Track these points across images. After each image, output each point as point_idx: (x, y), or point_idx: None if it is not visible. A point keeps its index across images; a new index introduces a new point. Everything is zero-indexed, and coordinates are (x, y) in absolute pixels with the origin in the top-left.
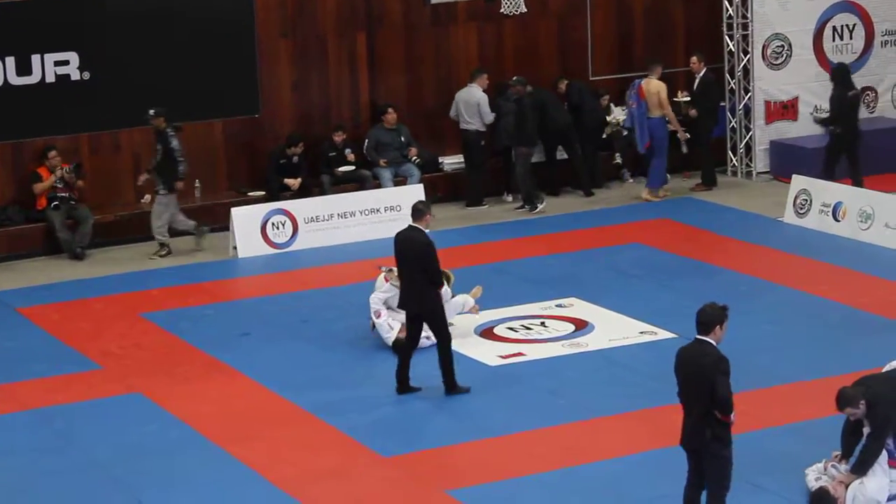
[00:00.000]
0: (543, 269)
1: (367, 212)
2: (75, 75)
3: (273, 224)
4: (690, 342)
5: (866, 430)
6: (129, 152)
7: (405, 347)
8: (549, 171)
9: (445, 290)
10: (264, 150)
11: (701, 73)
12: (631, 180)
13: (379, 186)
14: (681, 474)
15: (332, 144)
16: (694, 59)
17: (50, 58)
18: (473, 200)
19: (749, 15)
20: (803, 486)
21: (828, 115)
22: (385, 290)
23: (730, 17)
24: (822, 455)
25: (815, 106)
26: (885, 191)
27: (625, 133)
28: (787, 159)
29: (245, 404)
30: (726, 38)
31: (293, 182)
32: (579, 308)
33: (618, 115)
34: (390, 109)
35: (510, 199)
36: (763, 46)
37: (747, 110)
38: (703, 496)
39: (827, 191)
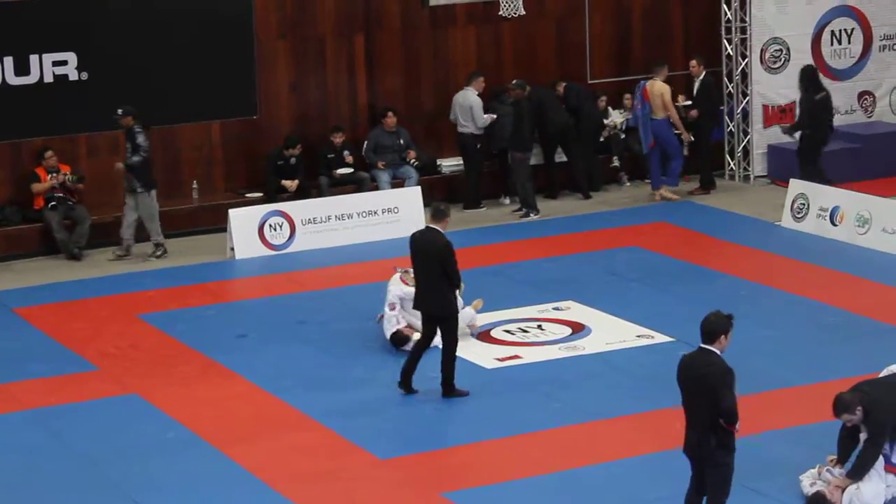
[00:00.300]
0: (541, 272)
1: (364, 214)
2: (73, 75)
3: (271, 225)
4: (694, 351)
5: (863, 436)
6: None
7: (417, 346)
8: (548, 174)
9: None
10: (262, 151)
11: (701, 77)
12: (628, 183)
13: (377, 189)
14: (677, 477)
15: (331, 146)
16: (693, 62)
17: (48, 58)
18: (470, 203)
19: (747, 19)
20: (800, 491)
21: (793, 122)
22: (406, 290)
23: (728, 20)
24: (819, 460)
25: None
26: (882, 195)
27: (623, 136)
28: (785, 163)
29: (242, 406)
30: (725, 41)
31: (291, 184)
32: (576, 311)
33: (615, 117)
34: (390, 113)
35: (507, 201)
36: (761, 50)
37: (745, 114)
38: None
39: (824, 195)
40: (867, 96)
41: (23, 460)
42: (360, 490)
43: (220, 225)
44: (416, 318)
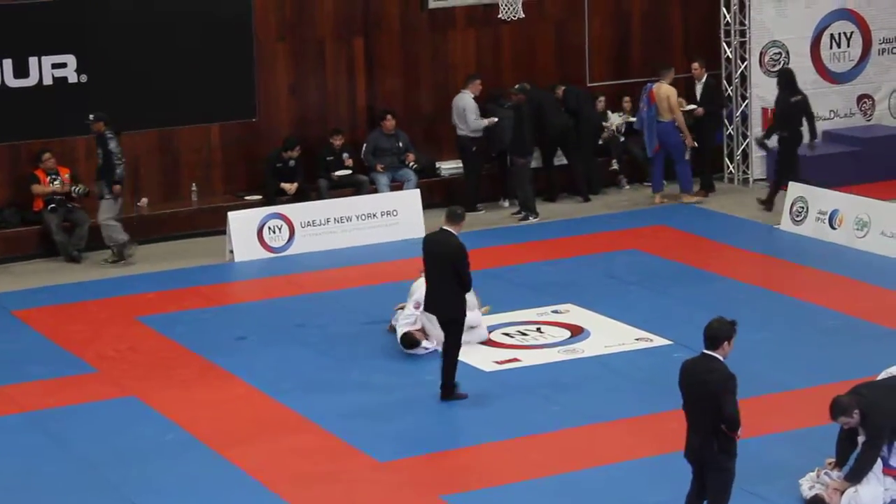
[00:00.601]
0: (540, 275)
1: (363, 216)
2: (73, 78)
3: (270, 228)
4: (696, 356)
5: (861, 439)
6: (126, 155)
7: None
8: (547, 177)
9: (471, 299)
10: (261, 154)
11: (703, 79)
12: (627, 186)
13: (376, 191)
14: (677, 481)
15: (331, 148)
16: (696, 65)
17: (47, 60)
18: (467, 206)
19: (747, 22)
20: (799, 495)
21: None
22: None
23: (727, 23)
24: (818, 463)
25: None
26: (881, 199)
27: (622, 139)
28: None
29: (241, 408)
30: (724, 44)
31: (290, 187)
32: (575, 314)
33: (614, 120)
34: (389, 116)
35: (507, 204)
36: (760, 53)
37: (744, 117)
38: None
39: (824, 198)
40: (866, 100)
41: (21, 462)
42: (360, 493)
43: (219, 227)
44: (433, 325)
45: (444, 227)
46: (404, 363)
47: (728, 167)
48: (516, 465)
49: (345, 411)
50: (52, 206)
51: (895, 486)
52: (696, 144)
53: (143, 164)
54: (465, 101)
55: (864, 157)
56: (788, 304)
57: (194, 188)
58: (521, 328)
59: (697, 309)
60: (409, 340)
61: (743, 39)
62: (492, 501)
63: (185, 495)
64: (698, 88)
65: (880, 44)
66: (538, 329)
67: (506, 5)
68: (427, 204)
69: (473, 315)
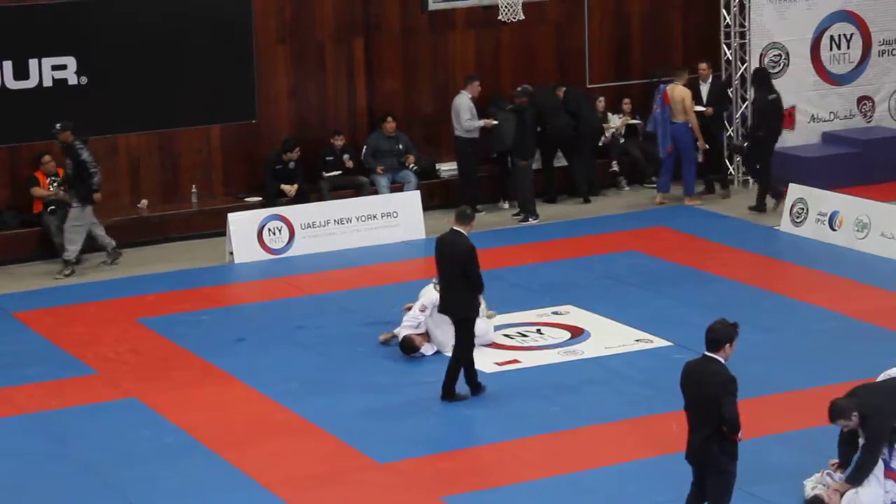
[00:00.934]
0: (539, 277)
1: (363, 218)
2: (73, 80)
3: (269, 230)
4: (698, 358)
5: (861, 441)
6: (125, 157)
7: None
8: (547, 179)
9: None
10: (261, 155)
11: (709, 80)
12: (627, 188)
13: (376, 193)
14: (677, 482)
15: (331, 148)
16: (703, 65)
17: (47, 62)
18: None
19: (747, 23)
20: (799, 496)
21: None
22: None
23: (727, 25)
24: (819, 464)
25: (730, 134)
26: (881, 200)
27: (622, 141)
28: (784, 168)
29: (240, 410)
30: (724, 46)
31: (289, 188)
32: (575, 315)
33: (614, 122)
34: (389, 118)
35: (506, 205)
36: (760, 55)
37: (744, 119)
38: None
39: (824, 200)
40: (866, 101)
41: (21, 464)
42: (360, 494)
43: (219, 229)
44: (438, 329)
45: (455, 228)
46: (404, 364)
47: (728, 168)
48: (516, 467)
49: (344, 413)
50: (52, 208)
51: None
52: (707, 146)
53: (143, 165)
54: (461, 101)
55: (864, 158)
56: (788, 305)
57: (194, 190)
58: (521, 329)
59: (697, 310)
60: (409, 345)
61: (743, 41)
62: (492, 502)
63: (184, 497)
64: (704, 89)
65: (880, 45)
66: (538, 330)
67: (506, 7)
68: (427, 205)
69: (479, 324)
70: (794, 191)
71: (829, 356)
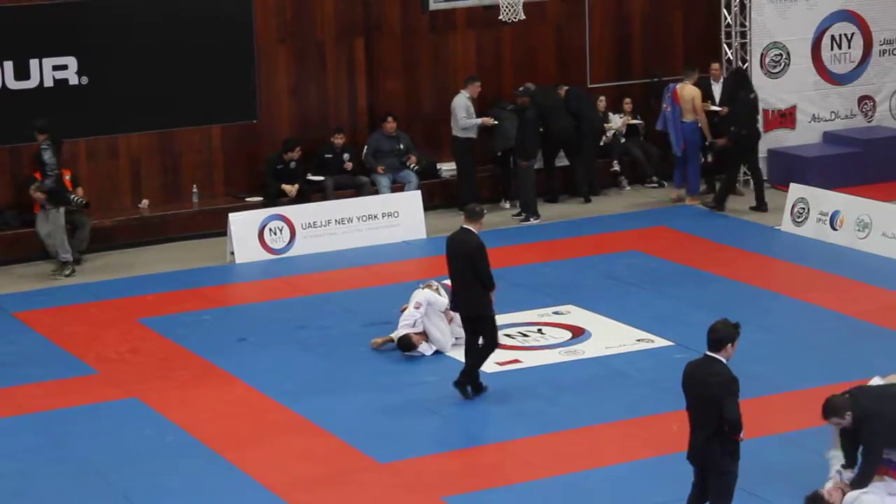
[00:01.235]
0: (540, 276)
1: (364, 218)
2: (73, 80)
3: (270, 230)
4: (699, 358)
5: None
6: (126, 157)
7: (466, 350)
8: (548, 179)
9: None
10: (262, 155)
11: (721, 80)
12: (628, 188)
13: (377, 193)
14: (678, 482)
15: (331, 147)
16: (715, 65)
17: (48, 62)
18: (462, 207)
19: (747, 23)
20: (799, 496)
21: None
22: (433, 297)
23: (728, 25)
24: (818, 464)
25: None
26: (882, 200)
27: (623, 140)
28: (785, 168)
29: (241, 410)
30: (725, 46)
31: (290, 189)
32: (576, 315)
33: (615, 122)
34: (389, 118)
35: (508, 205)
36: (761, 55)
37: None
38: None
39: (825, 199)
40: (867, 101)
41: (22, 464)
42: (361, 494)
43: (220, 229)
44: (435, 328)
45: (465, 226)
46: (405, 364)
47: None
48: (517, 467)
49: (345, 412)
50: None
51: None
52: (719, 142)
53: (144, 165)
54: (458, 101)
55: (865, 158)
56: (789, 305)
57: (195, 190)
58: (522, 329)
59: (698, 310)
60: (406, 343)
61: (744, 41)
62: (493, 502)
63: (185, 497)
64: (716, 89)
65: (881, 45)
66: (539, 330)
67: (506, 7)
68: (428, 205)
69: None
70: (796, 190)
71: (830, 356)
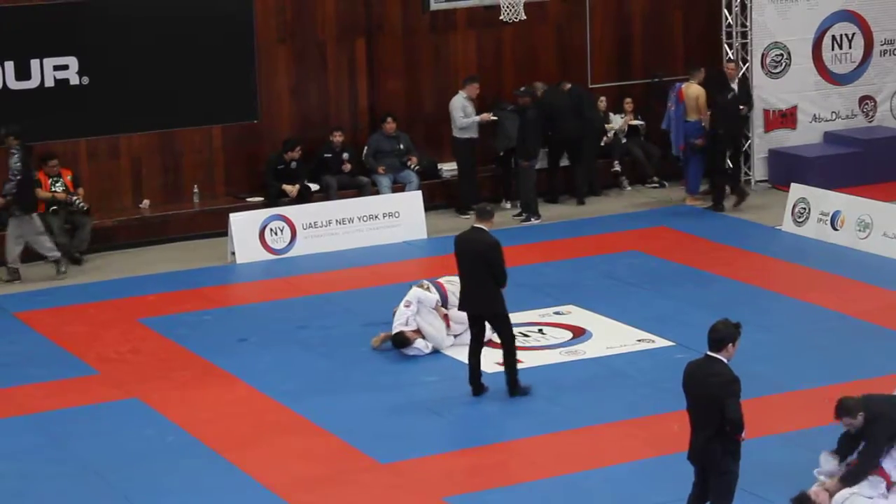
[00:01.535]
0: (541, 277)
1: (365, 218)
2: (74, 80)
3: (271, 230)
4: (700, 358)
5: (862, 445)
6: (127, 157)
7: (470, 351)
8: (550, 179)
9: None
10: (263, 155)
11: (735, 80)
12: (629, 188)
13: (378, 193)
14: (679, 482)
15: (330, 146)
16: (731, 65)
17: (49, 62)
18: (460, 208)
19: (748, 23)
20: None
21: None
22: (424, 295)
23: (729, 25)
24: (817, 465)
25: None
26: (883, 200)
27: (623, 141)
28: (786, 168)
29: (242, 410)
30: (725, 46)
31: (291, 189)
32: (577, 315)
33: (616, 122)
34: (389, 119)
35: (508, 205)
36: (762, 55)
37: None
38: None
39: (826, 200)
40: (868, 101)
41: (23, 464)
42: (361, 494)
43: (220, 229)
44: (430, 325)
45: (476, 226)
46: (405, 364)
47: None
48: (518, 467)
49: (346, 413)
50: (54, 208)
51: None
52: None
53: (145, 165)
54: (455, 101)
55: (866, 158)
56: (790, 305)
57: (196, 190)
58: (523, 329)
59: (699, 310)
60: (401, 340)
61: (744, 41)
62: (494, 503)
63: (186, 497)
64: (735, 87)
65: (882, 45)
66: (540, 330)
67: (507, 7)
68: (429, 205)
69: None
70: (796, 191)
71: (830, 356)
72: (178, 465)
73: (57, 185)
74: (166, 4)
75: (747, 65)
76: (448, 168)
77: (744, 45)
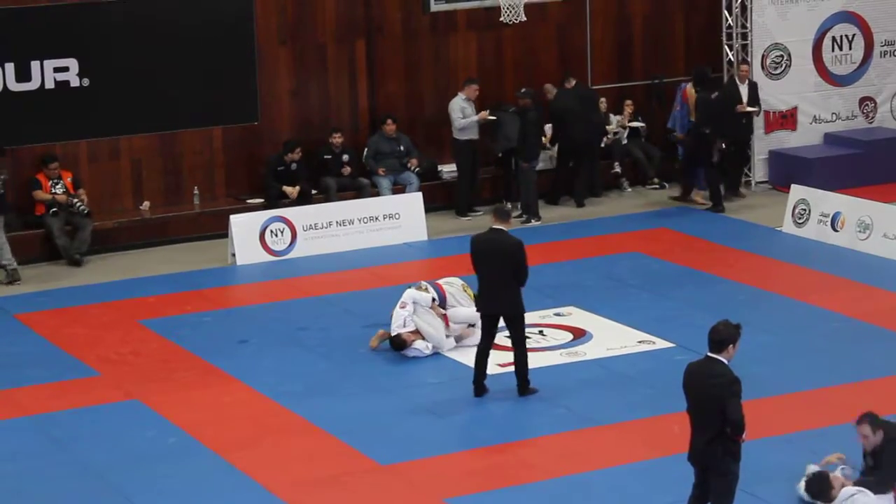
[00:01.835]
0: (542, 278)
1: (365, 219)
2: (75, 82)
3: (272, 231)
4: (701, 359)
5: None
6: (127, 159)
7: (480, 350)
8: (554, 181)
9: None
10: (263, 157)
11: (746, 81)
12: (629, 189)
13: (378, 195)
14: (679, 483)
15: (330, 147)
16: (744, 66)
17: (49, 64)
18: (459, 209)
19: (748, 25)
20: (799, 497)
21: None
22: (420, 296)
23: (729, 26)
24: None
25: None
26: (883, 201)
27: (624, 142)
28: (786, 169)
29: (242, 411)
30: (726, 47)
31: (292, 190)
32: (577, 317)
33: (615, 123)
34: (389, 120)
35: (509, 206)
36: (762, 56)
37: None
38: None
39: (826, 201)
40: (868, 102)
41: (24, 466)
42: (362, 496)
43: (221, 231)
44: (428, 325)
45: (495, 227)
46: (406, 366)
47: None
48: (519, 468)
49: (346, 414)
50: (54, 209)
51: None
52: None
53: (146, 167)
54: (452, 103)
55: (866, 159)
56: (790, 306)
57: (196, 192)
58: None
59: (699, 311)
60: (398, 343)
61: (745, 42)
62: None
63: (187, 498)
64: (743, 90)
65: (882, 46)
66: (540, 332)
67: (507, 8)
68: (429, 207)
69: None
70: (797, 192)
71: (831, 357)
72: (178, 467)
73: (57, 186)
74: (167, 6)
75: (747, 65)
76: (448, 170)
77: (744, 47)
